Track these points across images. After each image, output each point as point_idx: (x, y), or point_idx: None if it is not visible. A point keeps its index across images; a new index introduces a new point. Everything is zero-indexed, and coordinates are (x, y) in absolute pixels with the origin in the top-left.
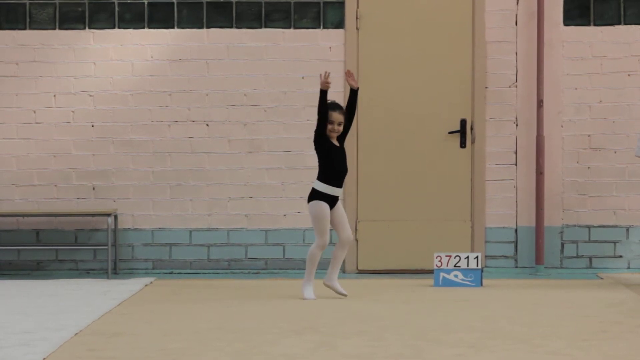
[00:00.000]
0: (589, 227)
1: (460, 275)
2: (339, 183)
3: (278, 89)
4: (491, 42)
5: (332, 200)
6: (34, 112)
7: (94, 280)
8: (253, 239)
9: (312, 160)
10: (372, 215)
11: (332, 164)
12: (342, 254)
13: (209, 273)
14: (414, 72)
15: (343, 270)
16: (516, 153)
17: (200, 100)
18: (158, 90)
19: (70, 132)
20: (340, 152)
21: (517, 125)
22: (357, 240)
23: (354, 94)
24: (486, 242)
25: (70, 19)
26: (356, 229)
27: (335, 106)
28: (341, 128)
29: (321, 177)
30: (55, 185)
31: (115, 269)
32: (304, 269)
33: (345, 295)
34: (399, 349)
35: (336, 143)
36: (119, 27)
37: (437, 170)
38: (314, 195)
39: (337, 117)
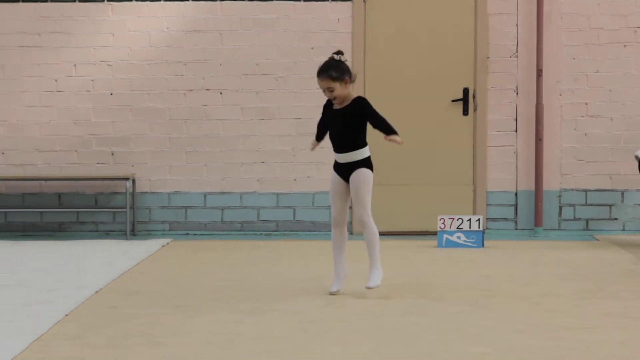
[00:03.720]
0: (585, 191)
1: (463, 237)
2: (337, 149)
3: (289, 59)
4: (493, 14)
5: (339, 168)
6: (56, 80)
7: (114, 241)
8: (265, 202)
9: None
10: (378, 180)
11: (330, 130)
12: (365, 236)
13: (223, 234)
14: (419, 43)
15: (351, 232)
16: (516, 120)
17: (215, 69)
18: (174, 60)
19: (90, 100)
20: (338, 117)
21: (517, 93)
22: None
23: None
24: (487, 205)
25: None
26: None
27: (319, 71)
28: (333, 94)
29: None
30: (76, 151)
31: (134, 231)
32: (314, 231)
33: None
34: (404, 307)
35: (337, 106)
36: (136, 0)
37: (440, 137)
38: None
39: (320, 84)
